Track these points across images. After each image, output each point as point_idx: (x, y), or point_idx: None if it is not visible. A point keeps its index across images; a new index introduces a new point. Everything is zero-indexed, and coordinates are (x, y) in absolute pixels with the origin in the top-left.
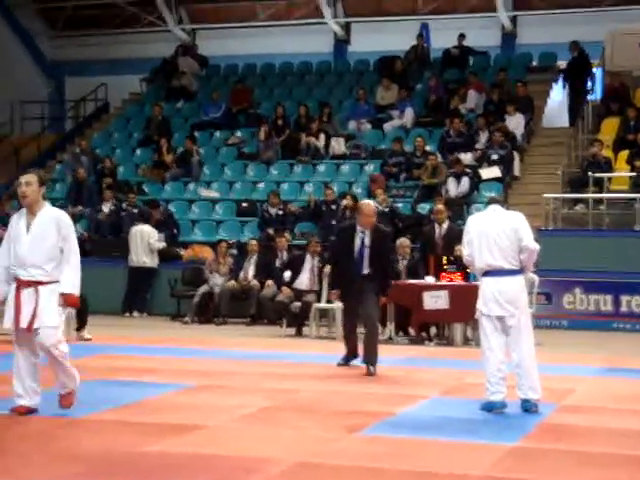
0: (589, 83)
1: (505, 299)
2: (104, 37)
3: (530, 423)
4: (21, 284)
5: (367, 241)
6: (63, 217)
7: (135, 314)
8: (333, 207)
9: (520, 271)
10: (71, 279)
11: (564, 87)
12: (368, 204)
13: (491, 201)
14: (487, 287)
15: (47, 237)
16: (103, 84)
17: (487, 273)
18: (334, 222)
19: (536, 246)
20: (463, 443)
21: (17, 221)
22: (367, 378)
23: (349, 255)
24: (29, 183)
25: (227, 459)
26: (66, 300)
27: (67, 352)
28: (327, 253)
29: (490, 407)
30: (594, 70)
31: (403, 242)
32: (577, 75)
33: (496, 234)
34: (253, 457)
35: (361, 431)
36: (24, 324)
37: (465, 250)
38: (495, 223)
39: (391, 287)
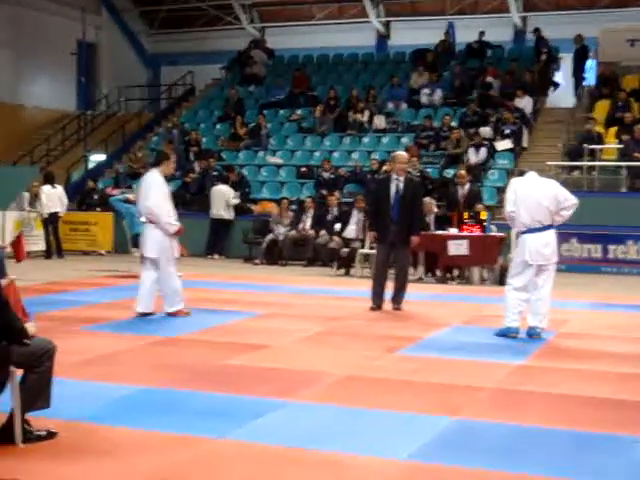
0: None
1: (546, 250)
2: (192, 34)
3: (534, 346)
4: None
5: (401, 187)
6: None
7: (215, 256)
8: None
9: (553, 226)
10: None
11: (573, 73)
12: (401, 153)
13: (522, 172)
14: (531, 240)
15: None
16: (191, 72)
17: (530, 229)
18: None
19: (576, 200)
20: (479, 361)
21: (163, 180)
22: (402, 310)
23: (386, 201)
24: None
25: (290, 372)
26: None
27: None
28: (368, 199)
29: (507, 331)
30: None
31: (430, 201)
32: (580, 63)
33: (541, 197)
34: (311, 370)
35: (397, 351)
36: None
37: (509, 207)
38: (538, 187)
39: (421, 234)
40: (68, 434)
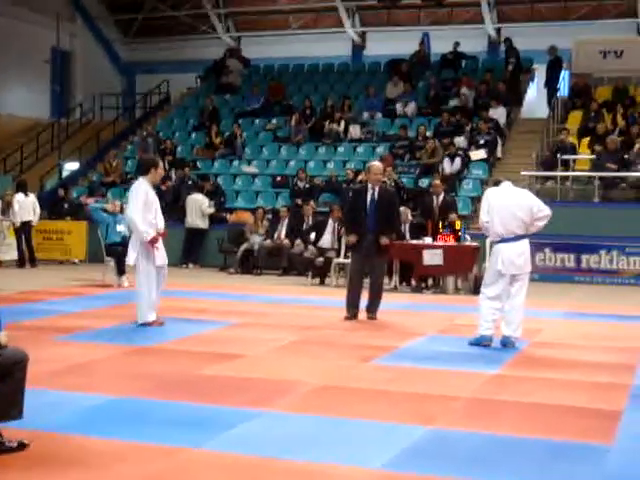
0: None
1: (519, 260)
2: (167, 43)
3: (508, 355)
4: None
5: (376, 196)
6: None
7: (190, 266)
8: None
9: (526, 236)
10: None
11: (546, 84)
12: (376, 164)
13: (500, 181)
14: (505, 250)
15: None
16: (166, 80)
17: (504, 239)
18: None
19: (550, 211)
20: (453, 371)
21: (148, 189)
22: (377, 319)
23: (362, 210)
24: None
25: (265, 382)
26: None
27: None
28: (344, 208)
29: (481, 340)
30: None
31: (404, 210)
32: (554, 74)
33: (515, 207)
34: (285, 380)
35: (372, 361)
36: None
37: (484, 217)
38: (512, 198)
39: (395, 243)
40: (40, 445)
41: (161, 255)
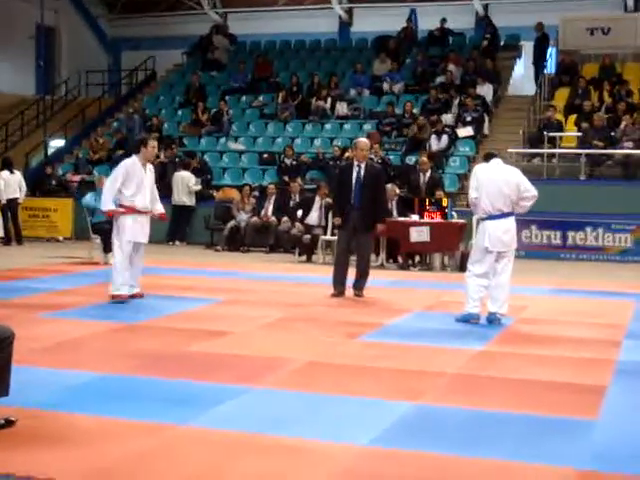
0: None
1: (506, 237)
2: (153, 18)
3: (494, 332)
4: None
5: (362, 173)
6: None
7: (177, 243)
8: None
9: (513, 213)
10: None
11: (533, 61)
12: (363, 140)
13: (490, 155)
14: (491, 227)
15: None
16: (152, 57)
17: (491, 216)
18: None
19: (536, 192)
20: (440, 347)
21: (133, 166)
22: (364, 296)
23: (348, 187)
24: (155, 147)
25: (252, 358)
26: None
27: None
28: (330, 186)
29: (469, 317)
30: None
31: (391, 187)
32: (541, 51)
33: (502, 184)
34: (273, 357)
35: (359, 337)
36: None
37: (473, 193)
38: (500, 175)
39: (383, 221)
40: (27, 422)
41: (136, 232)
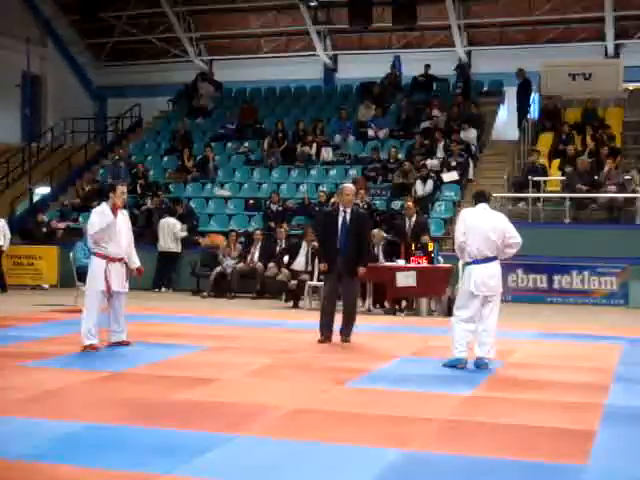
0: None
1: (491, 281)
2: (139, 66)
3: (482, 377)
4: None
5: (348, 218)
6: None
7: (163, 289)
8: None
9: (497, 258)
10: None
11: (517, 107)
12: (348, 185)
13: (479, 197)
14: (477, 272)
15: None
16: (138, 104)
17: (476, 261)
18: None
19: (521, 240)
20: (428, 393)
21: (105, 214)
22: (351, 342)
23: (334, 232)
24: (124, 192)
25: (238, 406)
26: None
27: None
28: (317, 231)
29: (456, 362)
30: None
31: (378, 232)
32: (523, 96)
33: (489, 230)
34: (259, 404)
35: (346, 384)
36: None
37: (460, 237)
38: (487, 221)
39: (369, 265)
40: (9, 474)
41: (110, 281)
